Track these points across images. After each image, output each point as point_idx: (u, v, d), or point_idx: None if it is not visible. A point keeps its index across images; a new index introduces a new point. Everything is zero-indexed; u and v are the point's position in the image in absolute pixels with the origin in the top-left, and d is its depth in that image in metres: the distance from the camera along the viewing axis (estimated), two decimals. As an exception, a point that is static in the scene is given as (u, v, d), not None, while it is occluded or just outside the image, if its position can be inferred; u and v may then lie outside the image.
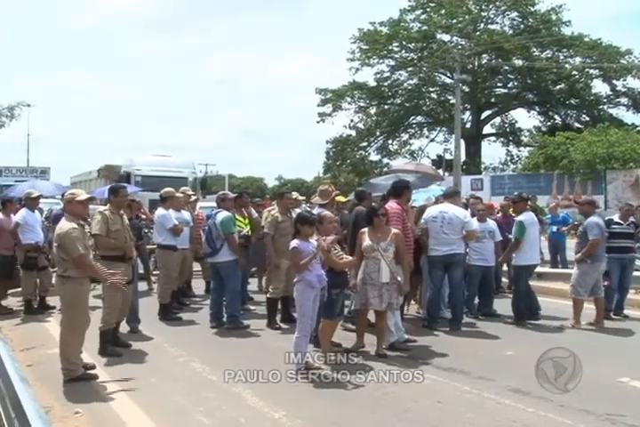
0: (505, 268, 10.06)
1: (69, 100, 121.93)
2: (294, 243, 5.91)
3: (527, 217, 8.57)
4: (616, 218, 9.44)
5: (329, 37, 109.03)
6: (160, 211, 8.83)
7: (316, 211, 7.69)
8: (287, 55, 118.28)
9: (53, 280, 6.81)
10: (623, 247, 9.13)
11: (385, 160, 43.21)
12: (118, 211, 6.92)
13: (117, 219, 6.81)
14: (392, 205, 7.18)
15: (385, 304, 6.48)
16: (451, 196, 8.55)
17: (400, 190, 7.46)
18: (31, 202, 9.49)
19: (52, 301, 8.77)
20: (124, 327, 7.73)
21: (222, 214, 8.10)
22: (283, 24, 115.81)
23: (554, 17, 38.26)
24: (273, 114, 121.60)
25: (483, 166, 40.71)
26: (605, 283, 8.66)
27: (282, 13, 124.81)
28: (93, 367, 5.96)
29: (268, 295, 8.27)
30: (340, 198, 8.78)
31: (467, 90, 38.24)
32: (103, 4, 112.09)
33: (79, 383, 5.53)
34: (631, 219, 9.54)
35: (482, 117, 41.34)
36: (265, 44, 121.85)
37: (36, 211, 9.65)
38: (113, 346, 6.75)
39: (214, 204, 8.74)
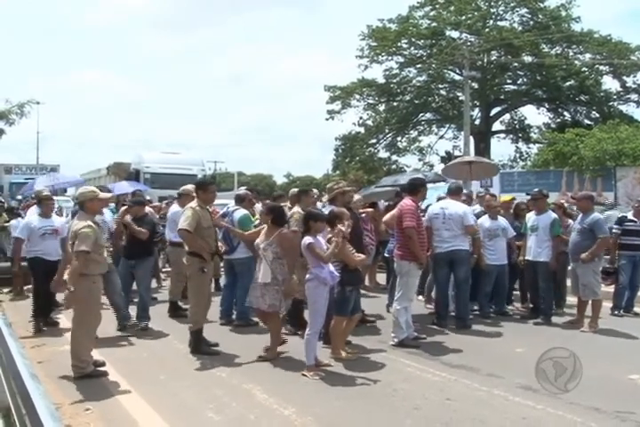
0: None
1: (79, 98, 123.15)
2: (309, 239, 5.86)
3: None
4: (630, 215, 9.38)
5: (342, 35, 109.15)
6: (174, 207, 8.79)
7: (326, 209, 7.60)
8: (298, 53, 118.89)
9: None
10: (636, 245, 9.09)
11: (394, 157, 43.02)
12: (207, 207, 6.82)
13: (207, 215, 6.71)
14: (407, 201, 7.16)
15: (266, 305, 6.20)
16: (455, 192, 8.52)
17: (416, 187, 7.39)
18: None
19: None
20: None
21: (240, 212, 8.09)
22: (296, 22, 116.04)
23: (563, 13, 37.88)
24: (282, 111, 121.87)
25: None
26: None
27: (296, 11, 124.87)
28: (103, 364, 5.97)
29: None
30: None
31: (476, 87, 38.01)
32: (116, 2, 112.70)
33: (89, 380, 5.55)
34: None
35: (491, 114, 41.04)
36: (276, 41, 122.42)
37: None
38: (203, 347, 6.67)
39: (224, 201, 8.67)
